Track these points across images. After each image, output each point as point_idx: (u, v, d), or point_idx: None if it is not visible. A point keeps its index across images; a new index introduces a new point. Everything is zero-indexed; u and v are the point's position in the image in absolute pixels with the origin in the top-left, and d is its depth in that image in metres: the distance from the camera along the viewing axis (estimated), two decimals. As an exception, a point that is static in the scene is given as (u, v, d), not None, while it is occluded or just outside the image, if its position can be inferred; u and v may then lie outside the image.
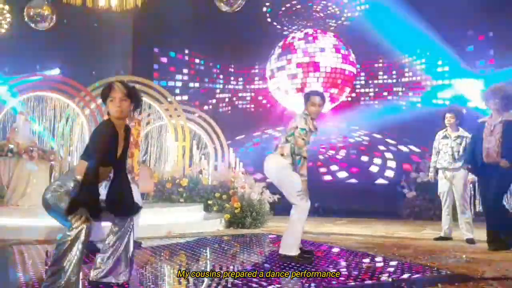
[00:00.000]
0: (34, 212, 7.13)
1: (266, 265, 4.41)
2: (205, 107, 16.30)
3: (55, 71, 9.68)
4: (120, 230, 3.39)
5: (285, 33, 16.90)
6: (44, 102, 9.90)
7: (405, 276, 3.84)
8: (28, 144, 8.01)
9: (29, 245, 5.34)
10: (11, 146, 7.80)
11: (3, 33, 8.87)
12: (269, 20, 17.06)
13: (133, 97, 3.30)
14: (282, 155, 4.56)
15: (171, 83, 16.31)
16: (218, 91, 17.49)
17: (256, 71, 17.52)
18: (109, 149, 3.17)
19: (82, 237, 3.00)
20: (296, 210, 4.48)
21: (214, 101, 17.32)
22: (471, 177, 6.33)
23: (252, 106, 17.55)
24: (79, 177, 3.08)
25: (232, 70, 17.61)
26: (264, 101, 17.43)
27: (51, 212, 3.17)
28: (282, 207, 8.71)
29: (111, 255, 3.38)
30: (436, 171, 6.56)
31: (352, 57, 15.94)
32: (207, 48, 16.17)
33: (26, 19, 7.90)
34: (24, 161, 7.80)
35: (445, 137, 6.47)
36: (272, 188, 8.81)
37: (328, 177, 13.95)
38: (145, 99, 11.24)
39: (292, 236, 4.49)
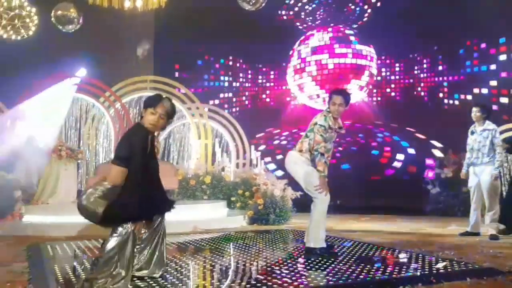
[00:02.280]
0: (64, 210, 7.36)
1: (290, 260, 4.46)
2: (227, 106, 16.43)
3: (81, 72, 9.87)
4: (155, 224, 3.48)
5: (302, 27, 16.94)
6: (71, 102, 10.12)
7: (433, 270, 3.84)
8: (57, 144, 8.22)
9: (60, 241, 5.50)
10: (41, 145, 8.02)
11: (30, 35, 9.07)
12: (287, 17, 17.08)
13: (171, 118, 3.43)
14: (300, 151, 4.62)
15: (192, 83, 16.46)
16: (240, 89, 17.58)
17: (277, 68, 17.56)
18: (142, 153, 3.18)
19: (132, 235, 3.08)
20: (315, 204, 4.51)
21: (235, 99, 17.42)
22: (495, 172, 6.23)
23: (273, 103, 17.59)
24: (110, 185, 3.11)
25: (255, 68, 17.67)
26: (287, 99, 17.46)
27: (87, 217, 3.21)
28: (305, 204, 8.78)
29: (144, 248, 3.47)
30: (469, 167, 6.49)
31: (365, 51, 15.91)
32: (229, 48, 16.26)
33: (53, 21, 8.09)
34: (53, 160, 8.02)
35: (472, 132, 6.41)
36: (294, 185, 8.86)
37: (350, 173, 13.90)
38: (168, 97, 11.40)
39: (315, 230, 4.51)
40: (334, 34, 16.21)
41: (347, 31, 16.35)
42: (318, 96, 15.93)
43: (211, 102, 15.72)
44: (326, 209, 4.56)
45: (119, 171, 3.10)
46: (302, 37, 16.58)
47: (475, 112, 6.34)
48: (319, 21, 16.87)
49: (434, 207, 9.95)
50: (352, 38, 16.17)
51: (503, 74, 13.40)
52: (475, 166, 6.31)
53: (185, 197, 9.34)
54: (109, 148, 10.59)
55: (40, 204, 7.78)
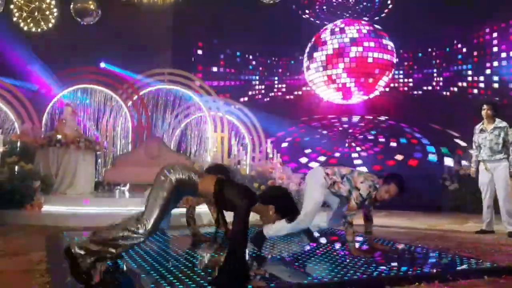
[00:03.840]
0: (81, 201, 7.47)
1: (306, 254, 4.45)
2: (243, 99, 16.41)
3: (100, 65, 9.99)
4: None
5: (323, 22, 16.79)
6: (89, 94, 10.24)
7: (450, 267, 3.79)
8: (75, 135, 8.32)
9: (78, 231, 5.57)
10: (59, 136, 8.12)
11: (50, 27, 9.18)
12: (306, 12, 16.97)
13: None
14: (327, 174, 4.45)
15: (209, 76, 16.47)
16: (256, 83, 17.54)
17: (293, 62, 17.49)
18: None
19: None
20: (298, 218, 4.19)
21: (251, 93, 17.39)
22: None
23: (289, 97, 17.53)
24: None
25: (270, 62, 17.61)
26: (299, 92, 17.38)
27: None
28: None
29: None
30: (478, 164, 6.42)
31: (390, 46, 15.68)
32: (246, 41, 16.24)
33: (72, 14, 8.17)
34: (71, 151, 8.12)
35: (482, 130, 6.32)
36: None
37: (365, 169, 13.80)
38: (185, 91, 11.47)
39: (272, 229, 4.46)
40: (366, 27, 15.91)
41: (376, 25, 16.12)
42: (349, 89, 15.59)
43: (228, 95, 15.73)
44: (301, 229, 4.53)
45: None
46: (332, 27, 16.24)
47: (486, 109, 6.26)
48: (335, 16, 16.69)
49: (452, 203, 9.83)
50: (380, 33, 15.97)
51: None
52: (486, 162, 6.22)
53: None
54: (127, 140, 10.69)
55: (58, 194, 7.88)
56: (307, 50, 16.43)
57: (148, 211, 2.96)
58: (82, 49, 10.87)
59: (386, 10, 16.30)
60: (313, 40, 16.30)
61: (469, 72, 14.84)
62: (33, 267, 3.67)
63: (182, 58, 15.00)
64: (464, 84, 15.01)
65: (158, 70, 11.64)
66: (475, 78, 14.72)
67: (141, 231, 2.91)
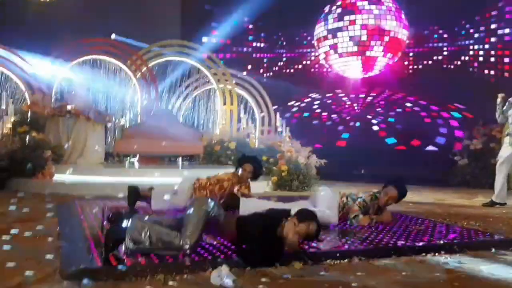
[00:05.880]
0: (91, 170, 7.57)
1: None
2: (254, 72, 16.30)
3: (111, 36, 9.94)
4: None
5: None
6: (98, 65, 10.22)
7: (457, 239, 3.79)
8: (85, 106, 8.36)
9: (89, 199, 5.64)
10: (69, 107, 8.17)
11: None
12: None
13: None
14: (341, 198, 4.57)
15: (218, 48, 16.33)
16: (266, 55, 17.37)
17: (305, 34, 17.22)
18: None
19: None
20: None
21: (261, 65, 17.25)
22: None
23: (299, 70, 17.35)
24: None
25: (281, 33, 17.37)
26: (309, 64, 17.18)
27: None
28: (328, 172, 8.76)
29: None
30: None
31: (405, 21, 15.37)
32: (256, 11, 16.01)
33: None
34: (81, 121, 8.18)
35: None
36: (318, 152, 8.85)
37: (375, 143, 13.75)
38: (194, 63, 11.41)
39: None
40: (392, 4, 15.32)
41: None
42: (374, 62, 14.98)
43: (239, 68, 15.59)
44: None
45: None
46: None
47: None
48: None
49: (462, 178, 9.80)
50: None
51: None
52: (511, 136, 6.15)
53: (210, 162, 9.42)
54: (136, 112, 10.71)
55: (69, 164, 7.96)
56: (331, 17, 15.45)
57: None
58: (92, 20, 10.79)
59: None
60: (339, 8, 15.33)
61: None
62: (45, 232, 3.74)
63: (192, 29, 14.86)
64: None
65: (168, 42, 11.56)
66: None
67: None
